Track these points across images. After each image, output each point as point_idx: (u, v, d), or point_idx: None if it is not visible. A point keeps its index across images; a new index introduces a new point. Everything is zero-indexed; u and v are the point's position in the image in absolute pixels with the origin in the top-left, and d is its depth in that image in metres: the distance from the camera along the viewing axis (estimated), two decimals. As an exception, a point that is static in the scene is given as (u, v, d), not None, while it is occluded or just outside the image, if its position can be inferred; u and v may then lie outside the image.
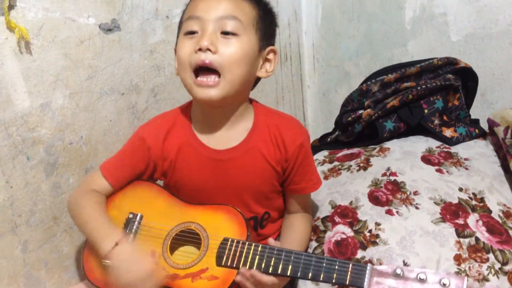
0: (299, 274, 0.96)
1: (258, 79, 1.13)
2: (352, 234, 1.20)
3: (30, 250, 1.22)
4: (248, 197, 1.13)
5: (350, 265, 0.93)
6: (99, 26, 1.29)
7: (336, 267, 0.93)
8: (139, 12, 1.37)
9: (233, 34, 1.02)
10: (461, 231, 1.15)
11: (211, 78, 1.02)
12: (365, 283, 0.90)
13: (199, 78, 1.02)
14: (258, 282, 0.97)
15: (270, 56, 1.11)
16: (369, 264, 0.92)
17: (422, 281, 0.86)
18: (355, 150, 1.51)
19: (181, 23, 1.10)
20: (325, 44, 2.00)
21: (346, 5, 1.90)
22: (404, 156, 1.38)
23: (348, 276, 0.92)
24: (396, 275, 0.87)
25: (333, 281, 0.93)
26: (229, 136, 1.11)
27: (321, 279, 0.94)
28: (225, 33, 1.02)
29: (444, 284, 0.84)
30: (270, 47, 1.11)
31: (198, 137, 1.12)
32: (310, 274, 0.95)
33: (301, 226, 1.18)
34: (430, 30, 1.72)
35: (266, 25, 1.10)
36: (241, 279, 0.98)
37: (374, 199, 1.25)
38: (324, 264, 0.95)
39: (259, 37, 1.07)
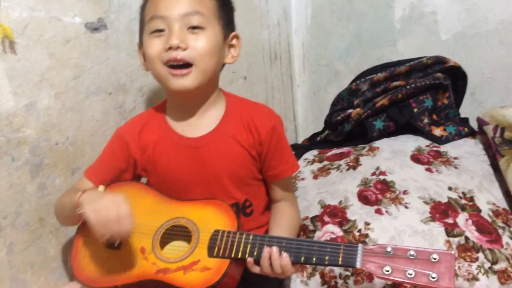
0: (291, 258, 0.96)
1: (223, 66, 1.18)
2: (341, 233, 1.19)
3: (16, 252, 1.20)
4: (227, 182, 1.14)
5: (342, 246, 0.93)
6: (85, 25, 1.27)
7: (328, 249, 0.94)
8: (126, 11, 1.36)
9: (199, 28, 1.06)
10: (451, 230, 1.14)
11: (184, 69, 1.06)
12: (358, 262, 0.90)
13: (172, 70, 1.06)
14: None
15: (234, 41, 1.16)
16: (360, 244, 0.92)
17: (412, 257, 0.87)
18: (344, 149, 1.51)
19: (142, 22, 1.12)
20: (315, 43, 2.00)
21: (336, 4, 1.89)
22: (393, 155, 1.38)
23: (340, 257, 0.92)
24: (387, 253, 0.88)
25: (325, 262, 0.94)
26: (203, 124, 1.14)
27: (313, 261, 0.95)
28: (192, 28, 1.06)
29: (434, 259, 0.85)
30: (233, 33, 1.15)
31: (173, 128, 1.15)
32: (302, 258, 0.95)
33: (288, 211, 1.19)
34: (420, 29, 1.73)
35: (226, 13, 1.14)
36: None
37: (363, 198, 1.25)
38: (316, 248, 0.95)
39: (222, 26, 1.11)
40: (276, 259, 0.96)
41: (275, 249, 0.97)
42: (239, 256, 0.99)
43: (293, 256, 0.96)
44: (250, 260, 0.99)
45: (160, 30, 1.07)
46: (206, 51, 1.06)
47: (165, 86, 1.10)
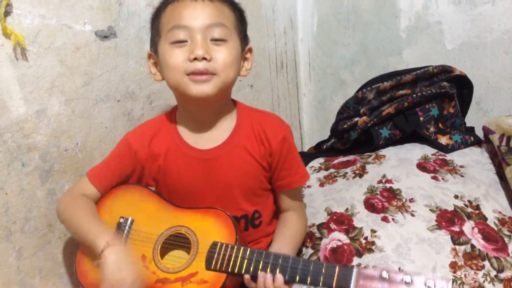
0: (286, 277, 0.97)
1: None
2: (348, 241, 1.20)
3: (25, 257, 1.21)
4: (238, 194, 1.15)
5: (337, 268, 0.95)
6: (95, 33, 1.29)
7: (323, 270, 0.95)
8: (135, 19, 1.37)
9: (222, 40, 1.06)
10: (457, 239, 1.15)
11: (205, 75, 1.05)
12: (352, 286, 0.91)
13: (193, 76, 1.05)
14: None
15: (248, 55, 1.16)
16: (355, 267, 0.94)
17: (407, 284, 0.88)
18: (351, 157, 1.51)
19: (158, 31, 1.10)
20: (321, 52, 2.01)
21: (342, 13, 1.91)
22: (399, 163, 1.38)
23: (335, 279, 0.93)
24: (382, 278, 0.89)
25: (320, 284, 0.95)
26: (215, 135, 1.14)
27: (308, 282, 0.96)
28: (214, 40, 1.06)
29: (429, 287, 0.86)
30: (248, 46, 1.16)
31: (185, 139, 1.15)
32: (297, 277, 0.97)
33: (293, 222, 1.19)
34: (425, 38, 1.73)
35: (243, 26, 1.15)
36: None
37: (370, 206, 1.25)
38: (311, 268, 0.96)
39: (240, 39, 1.11)
40: (270, 286, 0.97)
41: (269, 276, 0.98)
42: (236, 271, 1.00)
43: (288, 275, 0.97)
44: (247, 276, 1.00)
45: (181, 41, 1.05)
46: (229, 63, 1.06)
47: (183, 94, 1.07)
